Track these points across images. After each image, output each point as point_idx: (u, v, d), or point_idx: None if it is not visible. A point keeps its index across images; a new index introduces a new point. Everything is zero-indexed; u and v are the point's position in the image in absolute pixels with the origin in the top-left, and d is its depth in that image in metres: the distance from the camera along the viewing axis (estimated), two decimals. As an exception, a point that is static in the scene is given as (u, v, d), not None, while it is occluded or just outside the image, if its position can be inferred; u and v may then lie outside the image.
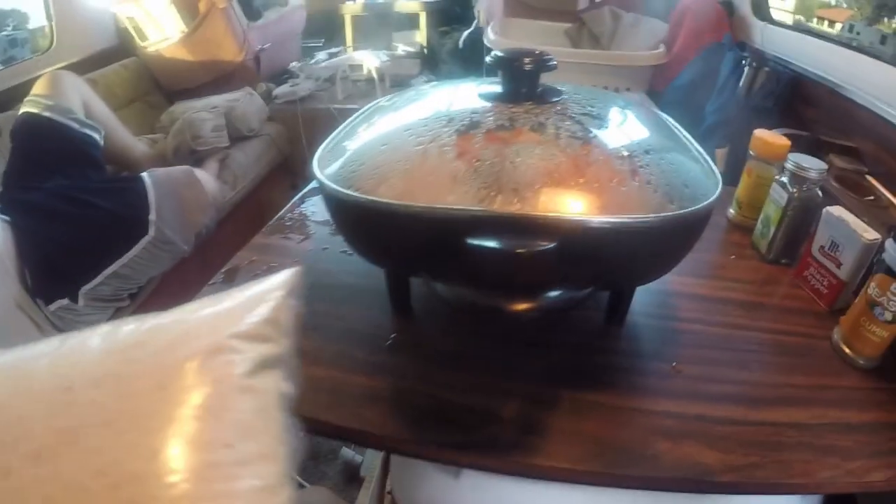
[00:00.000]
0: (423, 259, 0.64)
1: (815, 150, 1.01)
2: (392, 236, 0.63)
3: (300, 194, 1.10)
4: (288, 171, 2.75)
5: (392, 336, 0.75)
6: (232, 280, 0.85)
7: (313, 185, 1.11)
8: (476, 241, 0.53)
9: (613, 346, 0.74)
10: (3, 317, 1.54)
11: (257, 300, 0.40)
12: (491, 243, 0.53)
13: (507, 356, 0.71)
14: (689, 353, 0.72)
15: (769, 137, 0.94)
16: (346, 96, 2.74)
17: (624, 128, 0.69)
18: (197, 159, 2.19)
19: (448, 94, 0.76)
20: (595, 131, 0.64)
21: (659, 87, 1.80)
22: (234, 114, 2.35)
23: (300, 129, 2.59)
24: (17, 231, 1.59)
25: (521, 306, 0.58)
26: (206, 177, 2.05)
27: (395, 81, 2.80)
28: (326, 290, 0.83)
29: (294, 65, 2.97)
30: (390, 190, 0.59)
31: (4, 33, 2.43)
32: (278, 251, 0.93)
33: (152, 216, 1.72)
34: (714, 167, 0.66)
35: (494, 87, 0.71)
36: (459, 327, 0.76)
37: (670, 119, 0.77)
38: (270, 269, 0.87)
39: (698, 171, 0.65)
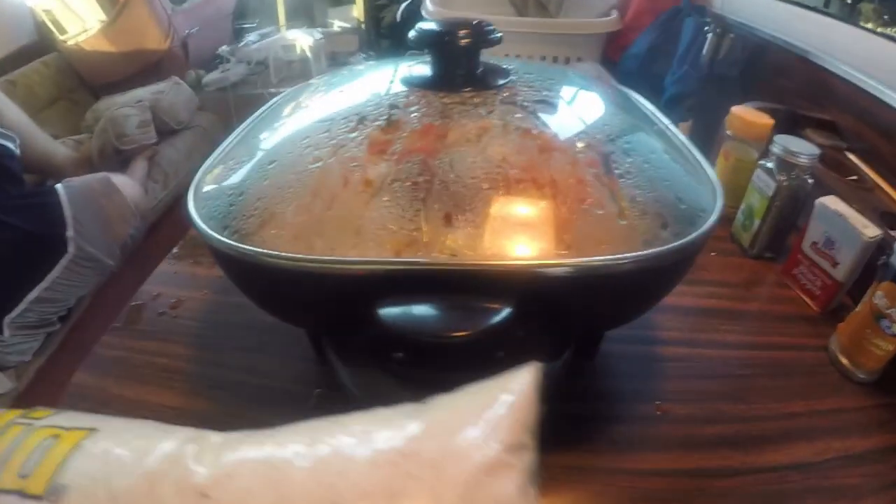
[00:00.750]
0: (330, 327, 0.50)
1: (792, 125, 0.91)
2: (282, 296, 0.49)
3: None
4: (226, 162, 2.58)
5: (316, 392, 0.61)
6: (136, 322, 0.72)
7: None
8: (390, 312, 0.40)
9: (583, 388, 0.62)
10: None
11: (507, 403, 0.35)
12: (416, 312, 0.39)
13: None
14: (674, 386, 0.62)
15: (749, 115, 0.84)
16: (281, 79, 2.61)
17: (591, 118, 0.55)
18: (124, 159, 2.05)
19: (370, 79, 0.61)
20: (555, 126, 0.50)
21: (613, 57, 1.69)
22: (161, 106, 2.20)
23: (234, 117, 2.43)
24: None
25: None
26: (126, 182, 1.90)
27: (332, 61, 2.66)
28: (237, 332, 0.70)
29: (224, 49, 2.81)
30: (276, 232, 0.45)
31: None
32: (186, 282, 0.79)
33: (70, 232, 1.59)
34: (707, 167, 0.53)
35: (425, 67, 0.56)
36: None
37: (642, 99, 0.64)
38: (176, 307, 0.74)
39: (686, 173, 0.52)
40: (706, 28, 1.31)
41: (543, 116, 0.51)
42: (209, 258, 0.82)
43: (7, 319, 1.51)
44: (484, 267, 0.41)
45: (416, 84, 0.53)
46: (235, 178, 0.52)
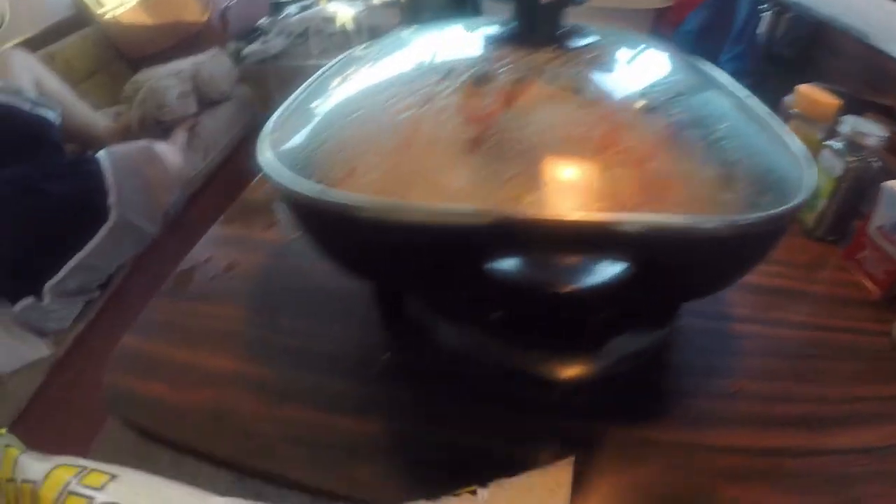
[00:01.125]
0: (419, 282, 0.47)
1: (852, 108, 0.88)
2: (368, 249, 0.46)
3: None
4: (264, 135, 2.58)
5: (384, 358, 0.59)
6: (186, 285, 0.72)
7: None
8: (497, 267, 0.37)
9: (659, 359, 0.60)
10: None
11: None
12: (522, 267, 0.36)
13: (530, 382, 0.56)
14: (746, 363, 0.60)
15: (816, 94, 0.81)
16: (321, 51, 2.57)
17: (679, 83, 0.51)
18: (164, 130, 2.06)
19: (439, 38, 0.58)
20: (647, 88, 0.48)
21: (664, 33, 1.66)
22: (201, 77, 2.21)
23: (274, 89, 2.44)
24: None
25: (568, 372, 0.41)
26: (168, 150, 1.91)
27: (373, 34, 2.62)
28: (295, 296, 0.69)
29: (263, 21, 2.79)
30: (363, 180, 0.42)
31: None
32: (238, 244, 0.78)
33: (112, 199, 1.60)
34: (795, 140, 0.50)
35: (496, 27, 0.53)
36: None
37: (720, 70, 0.61)
38: (230, 269, 0.74)
39: (771, 145, 0.49)
40: (762, 6, 1.28)
41: (634, 78, 0.49)
42: (262, 221, 0.82)
43: (48, 286, 1.53)
44: (598, 222, 0.38)
45: (498, 40, 0.51)
46: (312, 129, 0.50)
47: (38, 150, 1.69)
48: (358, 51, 0.63)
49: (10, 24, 2.08)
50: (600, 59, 0.49)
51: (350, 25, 2.59)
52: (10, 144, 1.64)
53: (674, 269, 0.40)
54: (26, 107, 1.71)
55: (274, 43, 2.58)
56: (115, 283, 1.70)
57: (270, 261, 0.75)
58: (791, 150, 0.48)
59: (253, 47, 2.57)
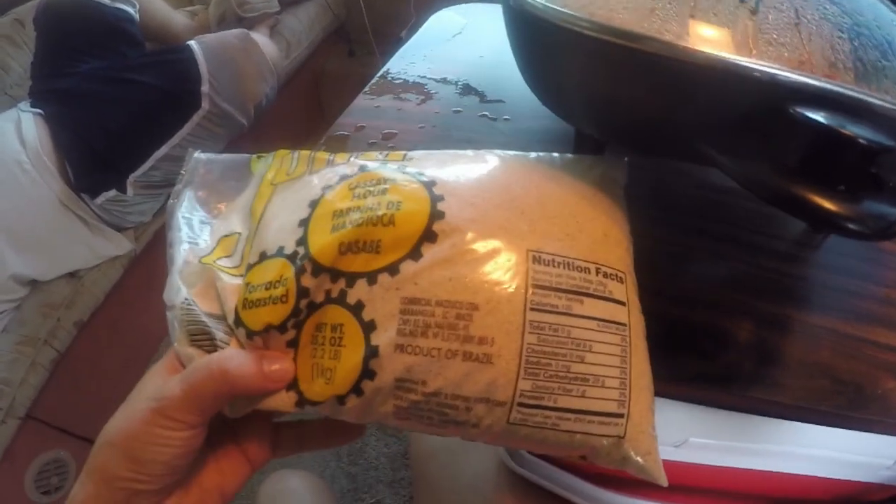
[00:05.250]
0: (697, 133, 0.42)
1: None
2: (657, 96, 0.41)
3: (404, 48, 0.87)
4: (344, 37, 2.52)
5: None
6: (339, 151, 0.65)
7: (421, 34, 0.90)
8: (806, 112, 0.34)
9: (821, 260, 0.59)
10: (49, 217, 1.42)
11: None
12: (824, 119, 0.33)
13: (716, 259, 0.58)
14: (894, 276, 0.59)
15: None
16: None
17: None
18: (245, 27, 1.97)
19: None
20: None
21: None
22: (283, -24, 2.10)
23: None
24: (53, 123, 1.44)
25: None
26: (263, 40, 1.85)
27: None
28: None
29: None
30: (641, 16, 0.38)
31: None
32: (394, 115, 0.72)
33: (205, 87, 1.55)
34: None
35: None
36: (665, 214, 0.59)
37: None
38: (391, 137, 0.68)
39: None
40: None
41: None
42: (417, 95, 0.75)
43: (132, 178, 1.51)
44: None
45: None
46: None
47: (118, 46, 1.64)
48: None
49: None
50: None
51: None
52: (91, 39, 1.60)
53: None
54: (105, 1, 1.66)
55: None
56: (199, 174, 1.65)
57: (437, 131, 0.69)
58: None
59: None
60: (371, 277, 0.34)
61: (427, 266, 0.34)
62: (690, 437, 0.59)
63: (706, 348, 0.50)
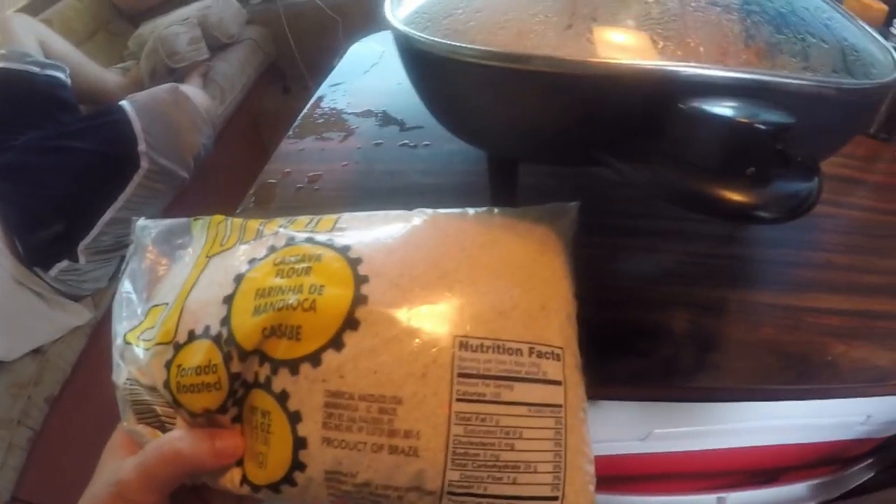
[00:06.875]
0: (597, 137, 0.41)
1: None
2: (542, 111, 0.42)
3: (325, 83, 0.88)
4: (277, 74, 2.54)
5: None
6: (269, 199, 0.66)
7: (340, 67, 0.90)
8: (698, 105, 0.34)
9: (755, 235, 0.62)
10: (4, 297, 1.40)
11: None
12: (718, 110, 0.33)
13: (645, 255, 0.60)
14: (830, 238, 0.62)
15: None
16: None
17: None
18: (177, 78, 1.99)
19: None
20: None
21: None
22: (210, 22, 2.13)
23: (285, 28, 2.36)
24: None
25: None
26: (194, 90, 1.86)
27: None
28: (393, 199, 0.63)
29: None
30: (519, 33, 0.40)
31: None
32: (317, 156, 0.72)
33: (142, 146, 1.54)
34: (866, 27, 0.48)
35: None
36: (588, 219, 0.58)
37: None
38: (317, 179, 0.68)
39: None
40: None
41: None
42: (338, 132, 0.76)
43: (81, 246, 1.49)
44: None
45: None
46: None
47: (53, 113, 1.64)
48: None
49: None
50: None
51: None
52: (25, 110, 1.60)
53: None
54: (36, 69, 1.66)
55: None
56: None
57: (361, 166, 0.70)
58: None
59: (259, -14, 2.47)
60: (293, 367, 0.34)
61: (350, 357, 0.33)
62: (654, 428, 0.59)
63: (640, 346, 0.50)
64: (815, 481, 0.71)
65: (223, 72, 2.14)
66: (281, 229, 0.41)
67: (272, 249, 0.38)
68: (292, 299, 0.34)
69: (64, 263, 1.47)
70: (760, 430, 0.62)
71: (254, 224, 0.42)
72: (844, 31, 0.45)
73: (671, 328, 0.52)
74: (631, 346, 0.51)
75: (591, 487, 0.36)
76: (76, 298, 1.53)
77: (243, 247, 0.40)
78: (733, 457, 0.66)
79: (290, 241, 0.39)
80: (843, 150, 0.66)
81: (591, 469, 0.36)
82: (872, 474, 0.69)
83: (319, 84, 0.88)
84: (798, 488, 0.71)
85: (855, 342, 0.53)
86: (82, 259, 1.49)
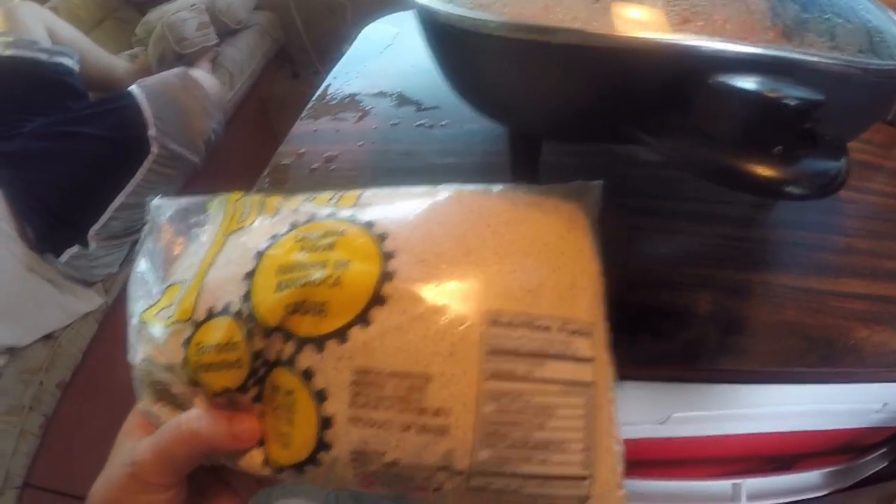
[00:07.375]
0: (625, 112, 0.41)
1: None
2: (569, 85, 0.41)
3: (338, 66, 0.88)
4: (286, 59, 2.52)
5: None
6: (284, 181, 0.65)
7: (353, 49, 0.90)
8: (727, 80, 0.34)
9: (779, 218, 0.61)
10: (16, 283, 1.40)
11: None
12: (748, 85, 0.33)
13: (668, 236, 0.59)
14: (852, 224, 0.60)
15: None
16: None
17: None
18: (185, 64, 1.97)
19: None
20: None
21: None
22: (218, 7, 2.10)
23: (293, 12, 2.34)
24: (6, 188, 1.42)
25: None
26: (203, 75, 1.85)
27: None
28: (410, 178, 0.62)
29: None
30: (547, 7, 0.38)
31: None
32: (332, 137, 0.72)
33: (152, 131, 1.54)
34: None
35: None
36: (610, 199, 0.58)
37: None
38: (330, 161, 0.67)
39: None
40: None
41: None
42: (354, 113, 0.75)
43: (92, 231, 1.49)
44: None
45: None
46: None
47: (61, 100, 1.63)
48: None
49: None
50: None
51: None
52: (34, 97, 1.59)
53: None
54: (43, 57, 1.65)
55: (289, -35, 2.45)
56: (161, 218, 1.65)
57: (377, 146, 0.69)
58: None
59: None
60: (319, 344, 0.33)
61: (378, 334, 0.33)
62: (674, 412, 0.59)
63: (665, 328, 0.50)
64: (830, 469, 0.70)
65: (232, 57, 2.13)
66: (302, 205, 0.40)
67: (294, 225, 0.38)
68: (317, 275, 0.33)
69: (75, 249, 1.46)
70: (777, 415, 0.62)
71: (273, 200, 0.41)
72: (868, 13, 0.44)
73: (694, 310, 0.51)
74: (654, 327, 0.50)
75: (620, 468, 0.35)
76: (87, 284, 1.53)
77: (263, 223, 0.40)
78: (750, 443, 0.66)
79: (312, 217, 0.38)
80: (861, 135, 0.66)
81: (620, 449, 0.35)
82: (886, 463, 0.68)
83: (330, 68, 0.87)
84: (812, 476, 0.70)
85: (878, 327, 0.52)
86: (93, 245, 1.49)
